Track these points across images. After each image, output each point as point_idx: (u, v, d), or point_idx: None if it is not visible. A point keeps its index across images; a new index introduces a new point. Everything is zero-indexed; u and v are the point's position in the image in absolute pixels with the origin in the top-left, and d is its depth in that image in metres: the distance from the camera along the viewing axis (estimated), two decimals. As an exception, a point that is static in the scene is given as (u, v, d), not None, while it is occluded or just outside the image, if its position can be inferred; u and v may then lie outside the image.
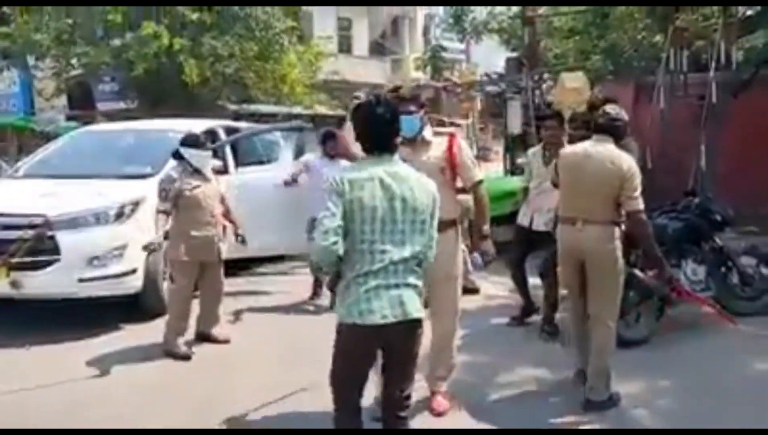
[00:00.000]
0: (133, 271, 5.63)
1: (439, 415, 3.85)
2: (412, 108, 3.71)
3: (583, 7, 11.33)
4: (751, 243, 5.83)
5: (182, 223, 4.85)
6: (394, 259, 2.69)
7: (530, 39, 10.18)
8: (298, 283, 7.28)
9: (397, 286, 2.71)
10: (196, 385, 4.49)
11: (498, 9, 13.48)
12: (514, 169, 9.85)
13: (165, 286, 5.89)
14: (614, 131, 3.89)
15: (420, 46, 26.51)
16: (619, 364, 4.10)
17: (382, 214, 2.67)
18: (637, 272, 5.07)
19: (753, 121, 8.12)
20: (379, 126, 2.77)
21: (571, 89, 7.76)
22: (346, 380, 2.85)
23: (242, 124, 8.22)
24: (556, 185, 4.27)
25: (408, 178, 2.76)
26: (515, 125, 9.35)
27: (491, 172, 10.65)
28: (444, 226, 3.36)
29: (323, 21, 21.83)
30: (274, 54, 16.78)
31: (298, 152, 6.98)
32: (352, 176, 2.71)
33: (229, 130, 7.43)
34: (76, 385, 4.46)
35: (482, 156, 23.08)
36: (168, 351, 4.91)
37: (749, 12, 12.42)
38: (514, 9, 12.79)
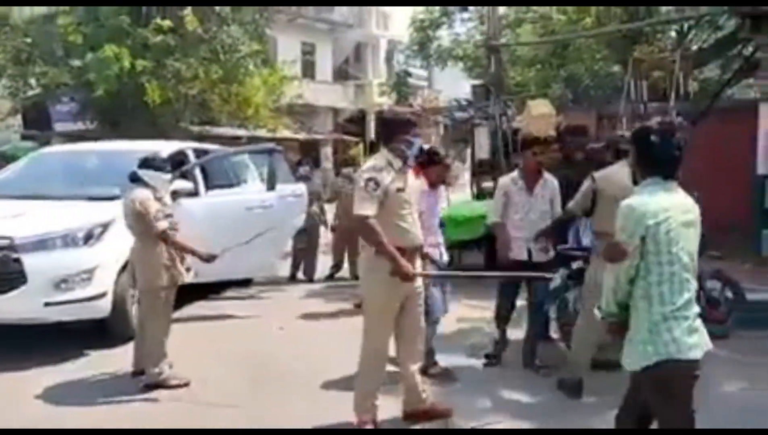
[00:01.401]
0: (103, 294, 5.47)
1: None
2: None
3: (545, 38, 11.63)
4: (715, 267, 5.98)
5: (164, 249, 4.70)
6: (693, 287, 2.65)
7: (496, 66, 10.40)
8: (266, 308, 7.24)
9: (697, 315, 2.66)
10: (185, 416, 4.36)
11: (463, 37, 13.73)
12: (480, 194, 9.98)
13: (134, 310, 5.77)
14: None
15: (383, 72, 26.84)
16: (595, 389, 4.21)
17: (683, 241, 2.60)
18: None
19: (711, 149, 8.41)
20: (673, 151, 2.65)
21: (538, 116, 7.91)
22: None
23: (211, 146, 8.13)
24: (587, 213, 4.54)
25: (685, 203, 2.70)
26: (483, 151, 9.50)
27: (458, 196, 10.80)
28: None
29: (287, 45, 21.90)
30: (239, 77, 16.75)
31: (271, 175, 6.91)
32: (651, 203, 2.59)
33: (199, 152, 7.34)
34: (62, 419, 4.24)
35: (446, 181, 23.50)
36: (162, 382, 4.70)
37: (702, 45, 13.06)
38: (478, 37, 13.06)
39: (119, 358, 5.23)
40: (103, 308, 5.51)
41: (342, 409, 4.09)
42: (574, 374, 4.49)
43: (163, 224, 4.62)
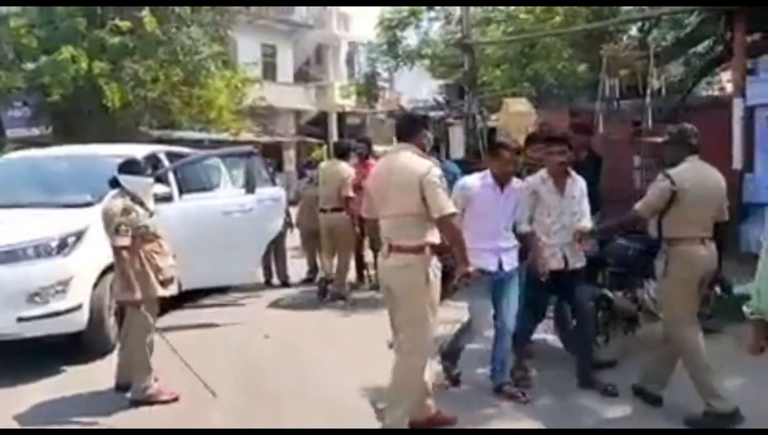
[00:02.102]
0: (78, 306, 5.17)
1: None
2: None
3: (514, 37, 11.67)
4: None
5: (146, 258, 4.45)
6: None
7: (470, 65, 10.35)
8: (245, 315, 7.01)
9: None
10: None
11: (431, 36, 13.69)
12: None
13: (111, 322, 5.51)
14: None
15: (344, 73, 26.67)
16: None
17: None
18: (607, 292, 5.15)
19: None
20: None
21: (516, 113, 7.89)
22: None
23: (184, 150, 7.85)
24: (662, 212, 4.03)
25: None
26: (458, 150, 9.43)
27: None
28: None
29: (247, 47, 21.54)
30: (200, 79, 16.38)
31: (249, 178, 6.68)
32: None
33: (172, 156, 7.06)
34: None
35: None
36: (149, 397, 4.45)
37: (663, 43, 13.31)
38: (446, 36, 13.02)
39: (99, 374, 4.96)
40: (79, 321, 5.21)
41: (344, 420, 3.98)
42: (720, 403, 3.92)
43: (120, 241, 4.33)
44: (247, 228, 6.52)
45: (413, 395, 3.67)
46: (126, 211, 4.35)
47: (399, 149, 3.73)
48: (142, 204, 4.52)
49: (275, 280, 8.66)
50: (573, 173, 4.54)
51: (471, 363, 4.79)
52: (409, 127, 3.74)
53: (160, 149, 7.18)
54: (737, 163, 7.49)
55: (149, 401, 4.45)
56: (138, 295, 4.38)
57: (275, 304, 7.61)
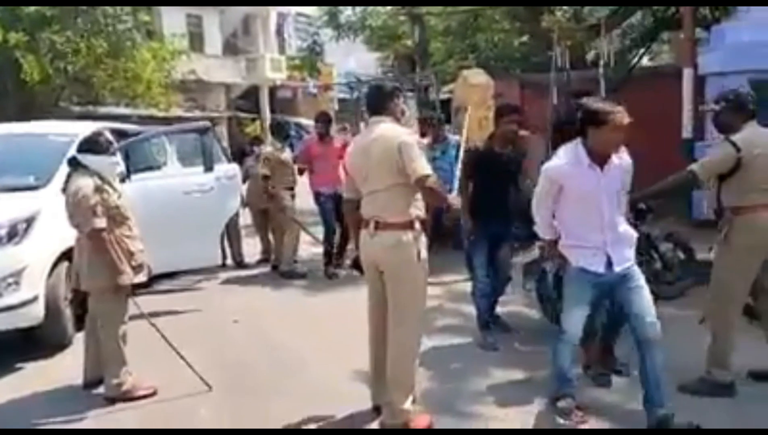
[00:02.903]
0: (34, 298, 4.76)
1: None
2: None
3: (460, 8, 11.56)
4: (668, 230, 6.14)
5: (117, 242, 4.11)
6: None
7: (420, 37, 10.17)
8: (206, 300, 6.70)
9: None
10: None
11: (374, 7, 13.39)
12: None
13: (68, 313, 5.11)
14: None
15: (274, 45, 25.92)
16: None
17: None
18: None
19: (639, 114, 8.69)
20: None
21: (476, 85, 7.77)
22: None
23: (130, 127, 7.35)
24: (725, 176, 3.85)
25: None
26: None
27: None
28: None
29: (172, 18, 20.52)
30: (125, 51, 15.49)
31: (207, 156, 6.31)
32: None
33: (119, 134, 6.58)
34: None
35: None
36: (124, 394, 4.16)
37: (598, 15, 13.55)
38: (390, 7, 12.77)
39: (62, 370, 4.63)
40: (36, 314, 4.80)
41: (335, 404, 3.88)
42: (720, 373, 3.89)
43: (99, 222, 4.00)
44: (208, 208, 6.19)
45: (414, 370, 3.60)
46: (99, 191, 4.01)
47: (374, 123, 3.63)
48: (110, 184, 4.17)
49: (229, 262, 8.34)
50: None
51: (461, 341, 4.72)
52: (381, 99, 3.65)
53: (104, 127, 6.66)
54: (687, 132, 7.70)
55: (125, 398, 4.15)
56: (110, 283, 4.05)
57: (234, 287, 7.32)
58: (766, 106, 7.87)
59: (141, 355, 4.42)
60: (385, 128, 3.52)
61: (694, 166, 3.93)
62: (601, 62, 8.52)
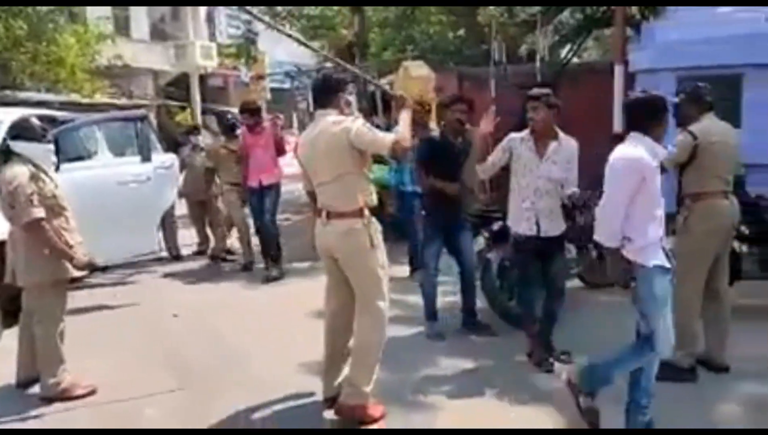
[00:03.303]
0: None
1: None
2: None
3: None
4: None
5: (57, 233, 3.90)
6: None
7: (360, 27, 10.10)
8: (143, 294, 6.48)
9: None
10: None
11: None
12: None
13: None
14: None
15: (204, 32, 25.20)
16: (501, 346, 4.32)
17: None
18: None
19: (573, 108, 8.94)
20: None
21: (417, 78, 7.84)
22: None
23: (59, 114, 7.00)
24: (684, 165, 4.03)
25: None
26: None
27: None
28: None
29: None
30: (47, 33, 14.70)
31: (144, 145, 6.09)
32: None
33: (47, 120, 6.24)
34: None
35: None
36: (62, 393, 3.97)
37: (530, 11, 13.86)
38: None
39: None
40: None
41: (280, 397, 3.89)
42: (684, 357, 3.93)
43: (38, 212, 3.81)
44: (144, 199, 6.00)
45: (378, 354, 3.60)
46: (34, 179, 3.81)
47: (319, 116, 3.64)
48: (45, 173, 3.96)
49: (164, 254, 8.09)
50: (562, 136, 4.26)
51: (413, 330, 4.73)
52: (325, 91, 3.65)
53: (31, 113, 6.32)
54: (618, 127, 7.98)
55: (63, 397, 3.97)
56: (49, 277, 3.86)
57: (172, 280, 7.12)
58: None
59: (79, 353, 4.24)
60: (329, 121, 3.54)
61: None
62: (538, 57, 8.71)
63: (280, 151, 6.95)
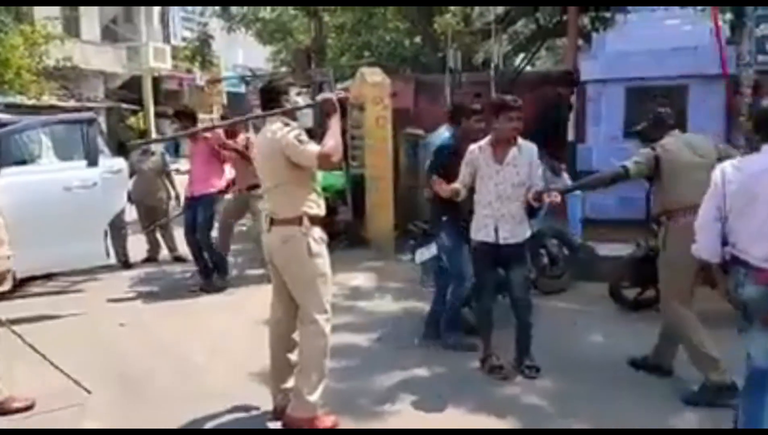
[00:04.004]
0: None
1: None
2: None
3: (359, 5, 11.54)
4: (555, 228, 6.43)
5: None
6: None
7: (317, 32, 10.05)
8: (89, 302, 6.28)
9: None
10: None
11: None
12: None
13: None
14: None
15: (158, 34, 24.77)
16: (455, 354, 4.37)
17: None
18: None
19: (528, 116, 9.07)
20: None
21: (373, 84, 7.83)
22: None
23: (1, 116, 6.74)
24: (650, 178, 4.07)
25: None
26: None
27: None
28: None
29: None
30: (-8, 33, 14.22)
31: (92, 149, 5.90)
32: None
33: (-16, 123, 6.04)
34: None
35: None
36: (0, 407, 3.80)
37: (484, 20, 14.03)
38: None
39: None
40: None
41: (226, 408, 3.81)
42: (715, 378, 3.74)
43: None
44: (91, 204, 5.81)
45: (323, 364, 3.55)
46: None
47: (268, 122, 3.62)
48: None
49: (113, 261, 7.86)
50: (521, 142, 4.23)
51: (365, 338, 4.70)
52: (272, 97, 3.65)
53: (-29, 115, 6.11)
54: (571, 135, 8.13)
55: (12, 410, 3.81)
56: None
57: (119, 288, 6.91)
58: (641, 110, 8.45)
59: (17, 365, 4.08)
60: (270, 129, 3.54)
61: (627, 162, 4.05)
62: (493, 65, 8.82)
63: (222, 161, 6.71)
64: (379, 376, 4.34)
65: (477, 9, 15.31)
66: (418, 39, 13.23)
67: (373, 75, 7.85)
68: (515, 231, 4.23)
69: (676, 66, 7.63)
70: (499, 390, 4.11)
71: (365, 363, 4.56)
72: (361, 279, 6.71)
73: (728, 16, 8.70)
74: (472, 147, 4.30)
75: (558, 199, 4.11)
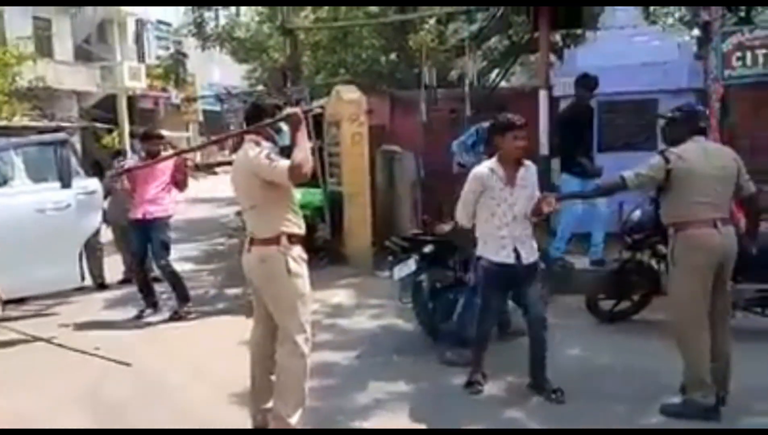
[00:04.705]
0: None
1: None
2: None
3: (332, 24, 11.63)
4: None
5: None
6: None
7: (292, 50, 10.10)
8: (64, 326, 6.18)
9: None
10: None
11: (243, 17, 13.12)
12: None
13: None
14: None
15: (133, 53, 24.67)
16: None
17: None
18: (462, 276, 5.35)
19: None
20: None
21: (349, 101, 7.88)
22: None
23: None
24: (660, 190, 3.88)
25: None
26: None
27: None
28: None
29: (17, 20, 18.91)
30: (-36, 55, 14.07)
31: (65, 170, 5.85)
32: None
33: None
34: None
35: (206, 168, 22.44)
36: None
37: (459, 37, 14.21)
38: (256, 18, 12.57)
39: None
40: None
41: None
42: (702, 395, 3.71)
43: None
44: (65, 226, 5.75)
45: (302, 386, 3.53)
46: None
47: (246, 141, 3.64)
48: None
49: (89, 283, 7.76)
50: (526, 162, 4.23)
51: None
52: (256, 118, 3.67)
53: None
54: (544, 150, 8.21)
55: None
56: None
57: (95, 311, 6.82)
58: (611, 124, 8.52)
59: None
60: (245, 149, 3.56)
61: (625, 173, 3.90)
62: (467, 81, 8.92)
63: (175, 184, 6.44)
64: (357, 393, 4.33)
65: (451, 26, 15.54)
66: (393, 56, 13.34)
67: (349, 92, 7.90)
68: (533, 250, 4.22)
69: (646, 81, 7.78)
70: (477, 404, 4.12)
71: (344, 380, 4.55)
72: (342, 296, 6.71)
73: (695, 32, 8.92)
74: (480, 169, 4.20)
75: (553, 206, 4.06)
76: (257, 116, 3.64)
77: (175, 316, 6.27)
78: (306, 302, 3.58)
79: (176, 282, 6.43)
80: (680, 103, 4.24)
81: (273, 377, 3.62)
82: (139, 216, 6.32)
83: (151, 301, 6.51)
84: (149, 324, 6.29)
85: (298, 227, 3.60)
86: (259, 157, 3.42)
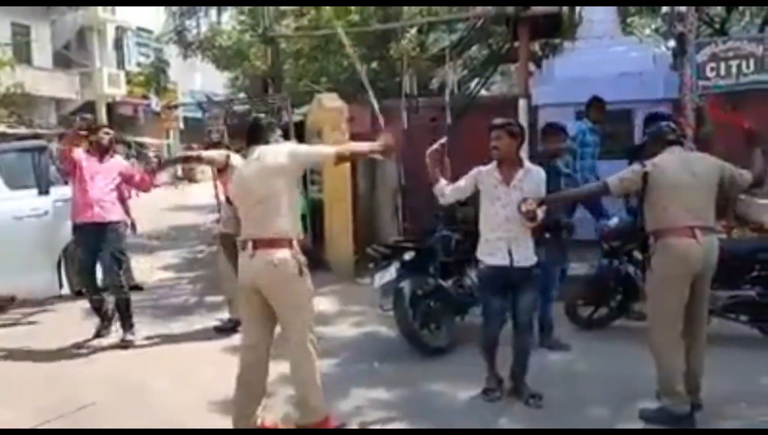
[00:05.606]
0: None
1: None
2: None
3: (308, 33, 11.66)
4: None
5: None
6: None
7: (273, 58, 10.11)
8: (41, 335, 6.11)
9: None
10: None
11: (225, 26, 13.11)
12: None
13: None
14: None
15: (112, 59, 24.49)
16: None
17: None
18: (441, 282, 5.40)
19: (472, 138, 9.23)
20: None
21: (331, 109, 7.91)
22: None
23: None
24: (641, 199, 3.91)
25: None
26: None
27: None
28: None
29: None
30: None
31: (43, 178, 5.81)
32: None
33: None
34: None
35: (187, 175, 22.29)
36: None
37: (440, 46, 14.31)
38: (237, 26, 12.58)
39: None
40: None
41: None
42: (675, 404, 3.74)
43: None
44: (42, 234, 5.70)
45: (318, 382, 3.65)
46: None
47: (251, 150, 3.72)
48: None
49: (66, 291, 7.66)
50: (530, 166, 4.23)
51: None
52: (261, 133, 3.80)
53: None
54: (524, 154, 8.30)
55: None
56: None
57: (74, 319, 6.73)
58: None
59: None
60: (270, 147, 3.67)
61: (608, 179, 3.96)
62: (447, 90, 8.99)
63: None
64: (339, 400, 4.32)
65: (432, 35, 15.66)
66: (374, 64, 13.39)
67: (330, 100, 7.94)
68: (527, 253, 4.18)
69: (623, 90, 7.90)
70: (459, 409, 4.15)
71: (326, 388, 4.46)
72: (324, 303, 6.70)
73: (671, 43, 9.08)
74: (480, 168, 4.28)
75: (532, 207, 3.98)
76: (260, 131, 3.78)
77: (122, 344, 5.58)
78: (312, 298, 3.73)
79: (124, 305, 5.67)
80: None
81: (264, 383, 3.68)
82: (86, 219, 5.48)
83: (107, 318, 5.82)
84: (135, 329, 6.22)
85: (299, 232, 3.77)
86: (299, 145, 3.70)
